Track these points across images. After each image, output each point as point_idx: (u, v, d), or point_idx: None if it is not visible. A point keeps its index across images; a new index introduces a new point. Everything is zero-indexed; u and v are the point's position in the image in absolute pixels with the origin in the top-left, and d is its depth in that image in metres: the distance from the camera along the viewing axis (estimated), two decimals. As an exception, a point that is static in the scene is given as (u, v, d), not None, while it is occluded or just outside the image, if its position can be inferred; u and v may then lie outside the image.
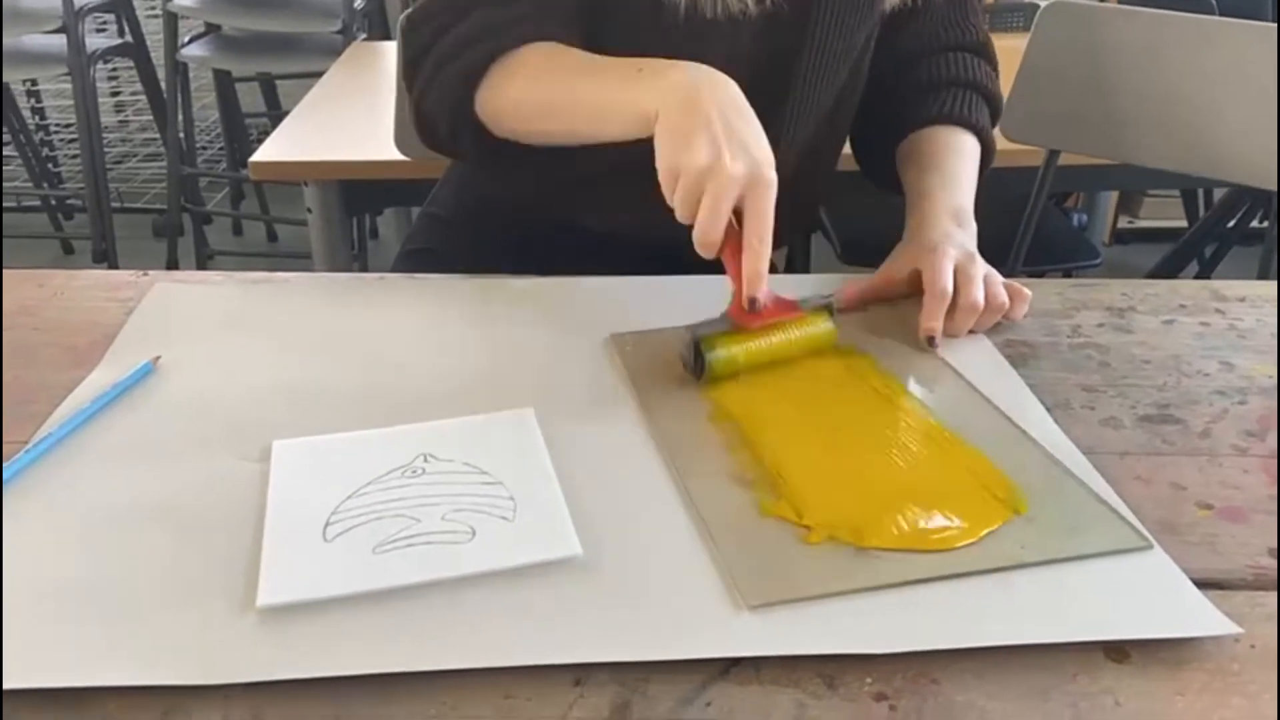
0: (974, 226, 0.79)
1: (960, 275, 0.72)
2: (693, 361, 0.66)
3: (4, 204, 2.83)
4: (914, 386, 0.66)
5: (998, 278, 0.74)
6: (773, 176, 0.63)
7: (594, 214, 0.85)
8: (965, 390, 0.66)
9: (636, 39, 0.79)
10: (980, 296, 0.71)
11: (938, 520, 0.53)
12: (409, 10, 0.82)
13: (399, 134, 1.30)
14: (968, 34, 0.93)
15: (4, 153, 2.81)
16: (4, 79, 2.46)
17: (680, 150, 0.63)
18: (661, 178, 0.65)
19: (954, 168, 0.84)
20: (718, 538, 0.52)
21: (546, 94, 0.75)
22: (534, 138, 0.78)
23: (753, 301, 0.64)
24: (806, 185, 0.87)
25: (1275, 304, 0.78)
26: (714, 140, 0.62)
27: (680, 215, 0.64)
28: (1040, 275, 1.59)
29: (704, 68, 0.66)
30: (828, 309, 0.70)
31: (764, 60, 0.83)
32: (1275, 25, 1.14)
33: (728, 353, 0.66)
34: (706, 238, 0.63)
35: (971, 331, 0.72)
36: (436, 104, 0.80)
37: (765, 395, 0.65)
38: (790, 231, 0.85)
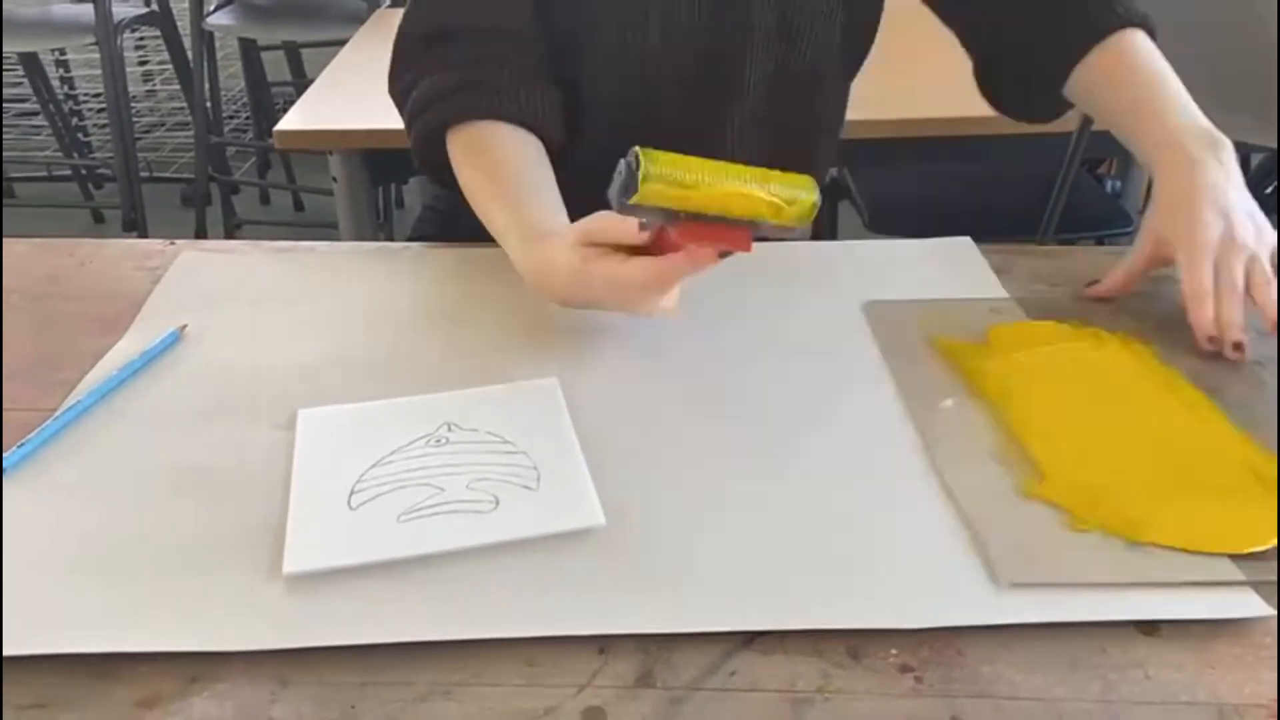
0: (1225, 141, 0.70)
1: (1220, 263, 0.65)
2: (625, 176, 0.55)
3: (36, 174, 2.86)
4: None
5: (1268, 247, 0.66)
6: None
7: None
8: (1254, 388, 0.62)
9: None
10: (1239, 274, 0.64)
11: (1222, 521, 0.51)
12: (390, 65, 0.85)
13: (423, 102, 1.30)
14: None
15: (36, 122, 2.83)
16: (35, 49, 2.47)
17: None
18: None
19: (1162, 83, 0.72)
20: (974, 516, 0.51)
21: (470, 192, 0.75)
22: None
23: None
24: (831, 97, 0.83)
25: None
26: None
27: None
28: (1072, 243, 1.57)
29: (545, 254, 0.66)
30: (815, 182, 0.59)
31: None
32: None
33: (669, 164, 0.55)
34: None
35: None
36: (415, 142, 0.81)
37: (1027, 373, 0.62)
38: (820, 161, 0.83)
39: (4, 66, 2.62)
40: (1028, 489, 0.53)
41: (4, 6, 2.23)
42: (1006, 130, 1.37)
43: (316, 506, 0.52)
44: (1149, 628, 0.46)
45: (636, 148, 0.55)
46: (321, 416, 0.59)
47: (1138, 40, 0.76)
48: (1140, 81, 0.73)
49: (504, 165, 0.75)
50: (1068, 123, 1.29)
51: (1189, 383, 0.62)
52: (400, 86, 0.82)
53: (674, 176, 0.55)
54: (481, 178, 0.75)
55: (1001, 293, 0.73)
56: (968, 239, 0.80)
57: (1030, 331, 0.67)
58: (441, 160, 0.79)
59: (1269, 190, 2.10)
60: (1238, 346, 0.64)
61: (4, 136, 2.77)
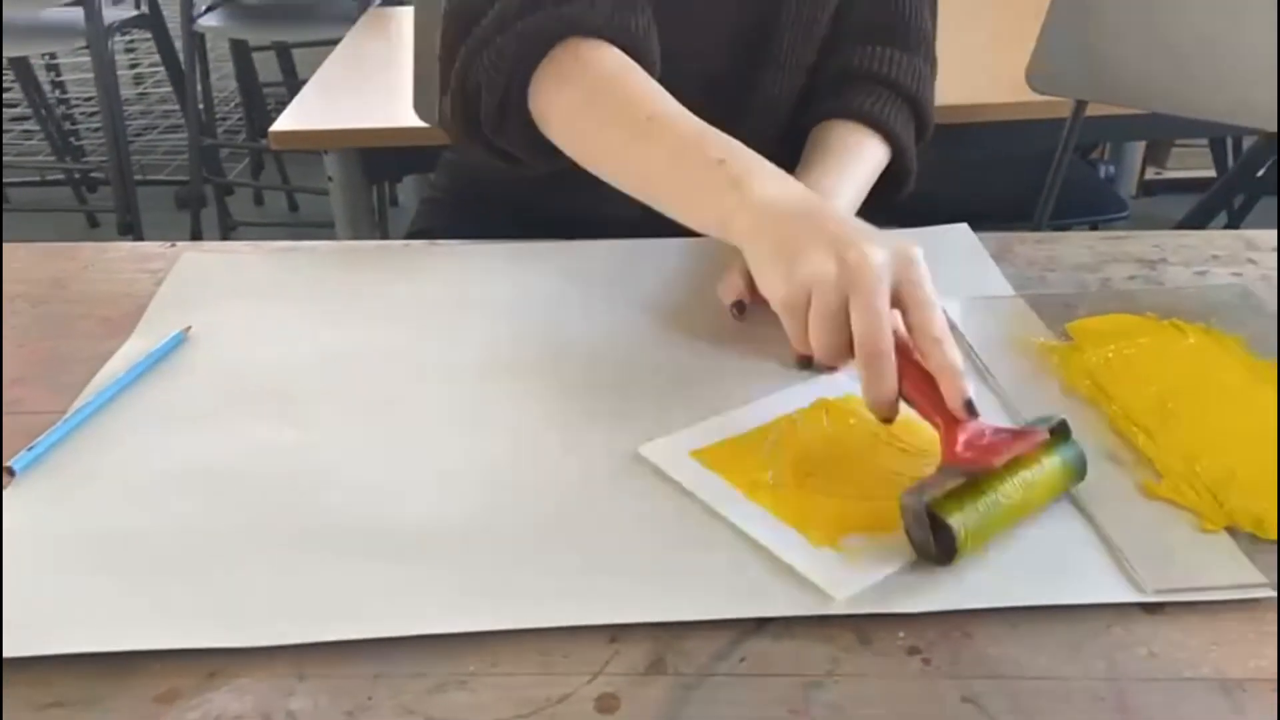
0: None
1: None
2: (932, 540, 0.47)
3: (29, 179, 2.86)
4: None
5: None
6: (919, 252, 0.52)
7: (605, 198, 0.71)
8: None
9: None
10: None
11: None
12: None
13: (417, 100, 1.30)
14: (909, 25, 0.84)
15: (28, 127, 2.83)
16: (25, 53, 2.47)
17: (799, 264, 0.52)
18: (784, 310, 0.53)
19: (839, 170, 0.76)
20: (1101, 520, 0.50)
21: (597, 134, 0.66)
22: (574, 158, 0.68)
23: (969, 405, 0.50)
24: (794, 147, 0.82)
25: (1309, 253, 0.77)
26: (835, 240, 0.51)
27: (827, 347, 0.52)
28: (1066, 228, 1.58)
29: (782, 174, 0.59)
30: (1064, 431, 0.52)
31: (749, 5, 0.80)
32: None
33: (976, 514, 0.48)
34: (875, 346, 0.50)
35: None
36: (487, 73, 0.68)
37: (1120, 368, 0.62)
38: None
39: (-4, 72, 2.62)
40: (1149, 489, 0.53)
41: (-5, 11, 2.22)
42: (999, 118, 1.38)
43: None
44: (1153, 607, 0.46)
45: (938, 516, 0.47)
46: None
47: (856, 134, 0.79)
48: (813, 161, 0.77)
49: (657, 101, 0.64)
50: (1061, 108, 1.29)
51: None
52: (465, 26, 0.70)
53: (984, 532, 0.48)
54: (633, 115, 0.63)
55: (1001, 279, 0.73)
56: (964, 226, 0.81)
57: (1113, 325, 0.67)
58: (517, 89, 0.67)
59: (1259, 174, 2.11)
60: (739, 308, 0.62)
61: (-2, 141, 2.76)
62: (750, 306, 0.63)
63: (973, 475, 0.49)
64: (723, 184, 0.57)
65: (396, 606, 0.47)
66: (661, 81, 0.64)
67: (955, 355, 0.50)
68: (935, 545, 0.47)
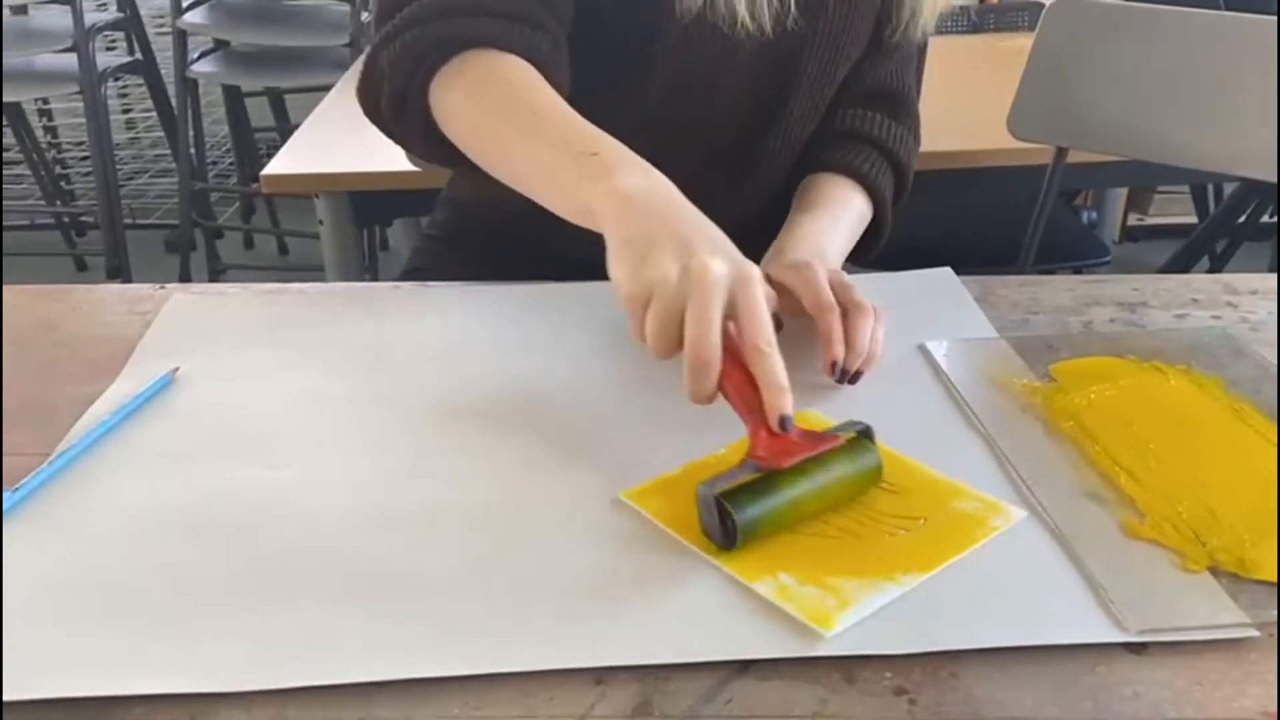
0: (836, 266, 0.76)
1: (836, 286, 0.68)
2: (719, 527, 0.51)
3: (18, 223, 2.86)
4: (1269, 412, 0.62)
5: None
6: (757, 271, 0.55)
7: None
8: None
9: (638, 45, 0.79)
10: (864, 298, 0.66)
11: None
12: None
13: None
14: (902, 96, 0.90)
15: (18, 171, 2.83)
16: (18, 99, 2.48)
17: (643, 265, 0.54)
18: (627, 304, 0.55)
19: (833, 219, 0.80)
20: (1086, 561, 0.51)
21: (486, 127, 0.68)
22: (467, 153, 0.71)
23: (783, 421, 0.52)
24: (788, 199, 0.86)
25: (1287, 296, 0.78)
26: (683, 246, 0.54)
27: (658, 345, 0.54)
28: (1050, 273, 1.59)
29: (650, 170, 0.60)
30: (868, 436, 0.56)
31: (764, 74, 0.83)
32: (1277, 20, 1.14)
33: (762, 509, 0.52)
34: (702, 353, 0.52)
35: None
36: (392, 65, 0.71)
37: (1103, 409, 0.63)
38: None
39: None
40: (1132, 529, 0.53)
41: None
42: (985, 164, 1.40)
43: None
44: (1137, 647, 0.46)
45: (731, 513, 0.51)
46: None
47: (845, 188, 0.83)
48: (811, 206, 0.81)
49: (543, 104, 0.66)
50: (1043, 154, 1.31)
51: (1259, 412, 0.62)
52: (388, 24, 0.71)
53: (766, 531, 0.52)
54: (517, 111, 0.65)
55: (984, 321, 0.74)
56: (948, 270, 0.82)
57: (1095, 367, 0.68)
58: (415, 86, 0.70)
59: (1241, 220, 2.13)
60: (855, 377, 0.64)
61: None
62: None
63: (765, 473, 0.52)
64: (592, 173, 0.60)
65: (378, 650, 0.46)
66: (669, 148, 0.66)
67: (779, 370, 0.53)
68: (721, 531, 0.51)
